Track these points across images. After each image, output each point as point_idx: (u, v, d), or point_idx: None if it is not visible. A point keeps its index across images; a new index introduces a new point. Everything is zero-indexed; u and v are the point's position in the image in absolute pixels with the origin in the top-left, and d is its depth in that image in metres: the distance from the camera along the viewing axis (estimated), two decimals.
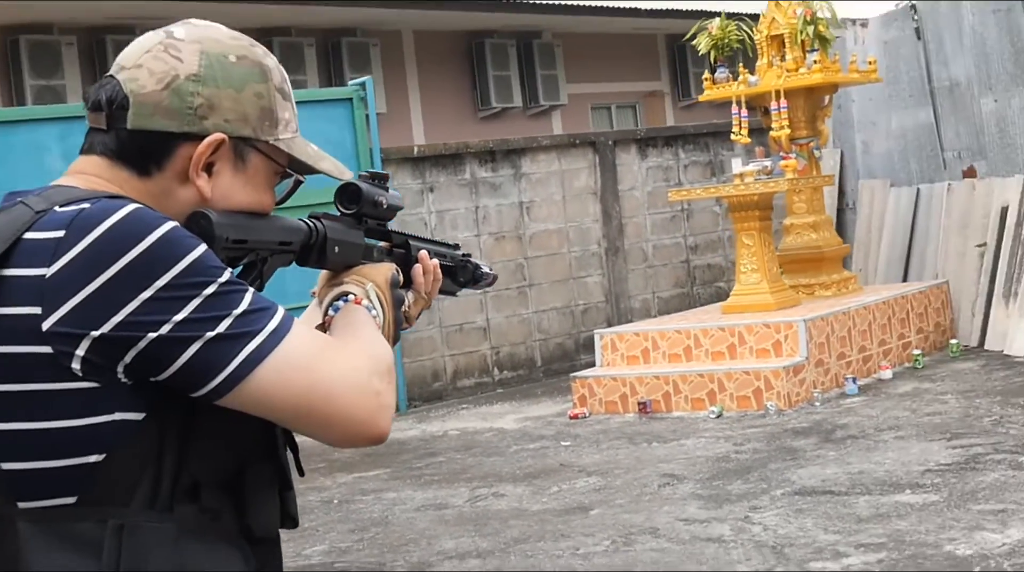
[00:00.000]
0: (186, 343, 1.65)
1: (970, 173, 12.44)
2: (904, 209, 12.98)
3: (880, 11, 13.56)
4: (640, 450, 9.01)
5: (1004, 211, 11.74)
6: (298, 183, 2.01)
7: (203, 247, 1.71)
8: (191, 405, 1.72)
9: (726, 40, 11.79)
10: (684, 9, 20.44)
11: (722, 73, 11.72)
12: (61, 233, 1.67)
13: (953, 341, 11.60)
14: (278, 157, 1.93)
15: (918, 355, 11.16)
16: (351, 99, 11.51)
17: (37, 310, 1.65)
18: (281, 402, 1.72)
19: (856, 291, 11.69)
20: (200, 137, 1.82)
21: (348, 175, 2.08)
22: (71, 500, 1.68)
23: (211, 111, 1.83)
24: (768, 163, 11.29)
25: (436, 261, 2.26)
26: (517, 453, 9.32)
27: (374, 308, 2.01)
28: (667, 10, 20.19)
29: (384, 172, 2.18)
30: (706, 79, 11.73)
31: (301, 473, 1.98)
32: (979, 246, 11.97)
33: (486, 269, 2.48)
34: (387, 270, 2.09)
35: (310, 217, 2.04)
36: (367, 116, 11.52)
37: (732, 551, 6.46)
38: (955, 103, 12.47)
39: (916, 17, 12.89)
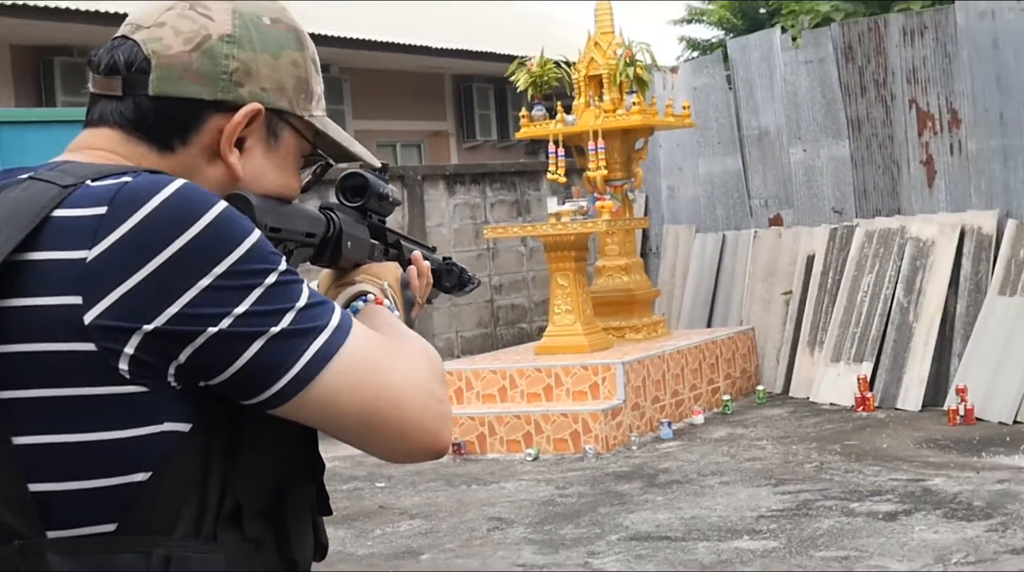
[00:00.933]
0: (249, 339, 1.41)
1: (776, 221, 12.58)
2: (710, 255, 13.06)
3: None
4: (460, 492, 8.73)
5: (810, 260, 11.89)
6: (327, 167, 1.75)
7: (258, 231, 1.45)
8: (236, 417, 1.45)
9: (544, 78, 11.66)
10: (472, 50, 20.39)
11: (539, 111, 11.57)
12: (103, 210, 1.39)
13: (760, 387, 11.66)
14: (310, 136, 1.66)
15: (728, 401, 11.17)
16: None
17: (77, 300, 1.38)
18: (348, 408, 1.47)
19: (665, 335, 11.66)
20: (233, 107, 1.55)
21: (377, 162, 1.84)
22: (110, 528, 1.42)
23: (247, 77, 1.57)
24: (584, 203, 11.18)
25: (428, 264, 2.04)
26: (331, 494, 8.89)
27: (395, 308, 1.77)
28: (455, 50, 20.08)
29: (385, 163, 1.91)
30: (523, 116, 11.57)
31: (329, 511, 1.68)
32: (785, 294, 12.09)
33: (470, 274, 2.26)
34: (397, 269, 1.88)
35: (321, 208, 1.78)
36: None
37: None
38: (764, 151, 12.62)
39: (728, 65, 13.01)
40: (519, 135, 11.83)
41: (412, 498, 8.62)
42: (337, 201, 1.86)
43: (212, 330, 1.38)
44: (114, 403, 1.39)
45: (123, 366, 1.37)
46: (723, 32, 20.54)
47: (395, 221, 12.86)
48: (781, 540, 6.92)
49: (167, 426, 1.41)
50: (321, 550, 1.66)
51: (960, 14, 10.79)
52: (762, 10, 19.01)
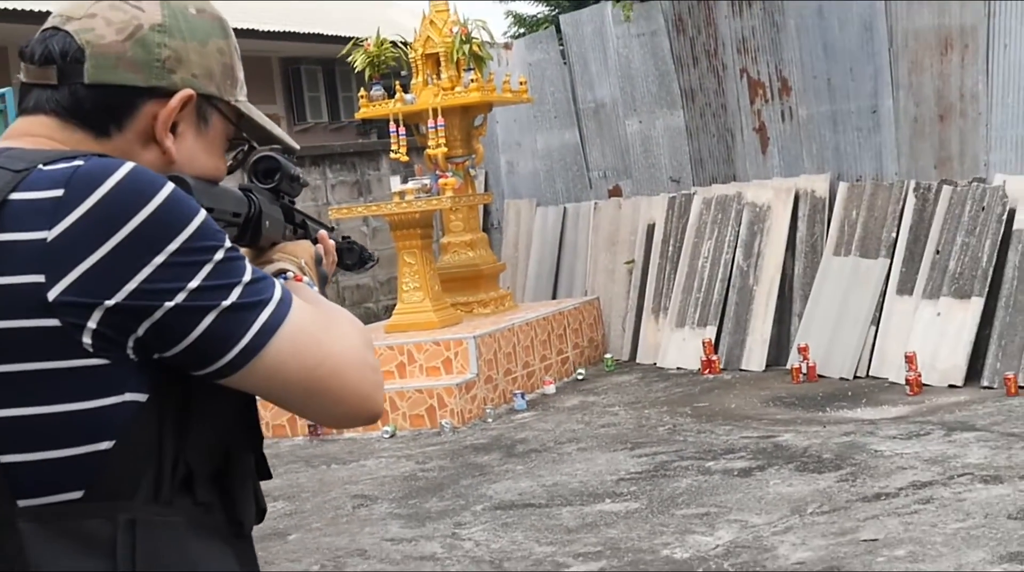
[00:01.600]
0: (202, 313, 1.49)
1: (616, 192, 12.79)
2: (551, 228, 13.22)
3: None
4: (321, 472, 8.75)
5: (651, 229, 12.13)
6: (250, 149, 1.87)
7: (203, 211, 1.53)
8: (186, 387, 1.53)
9: (382, 58, 11.68)
10: (300, 32, 20.27)
11: (377, 91, 11.58)
12: (59, 192, 1.46)
13: (607, 356, 11.86)
14: (235, 120, 1.76)
15: (581, 371, 11.37)
16: None
17: (40, 278, 1.44)
18: (292, 376, 1.56)
19: (513, 308, 11.79)
20: (166, 94, 1.63)
21: (296, 145, 1.94)
22: (77, 495, 1.49)
23: (179, 65, 1.65)
24: (427, 181, 11.24)
25: (333, 242, 2.14)
26: None
27: (313, 285, 1.86)
28: (283, 32, 19.93)
29: (294, 146, 1.99)
30: (362, 97, 11.57)
31: (269, 475, 1.78)
32: (627, 263, 12.31)
33: (369, 253, 2.35)
34: (311, 247, 1.98)
35: (241, 189, 1.86)
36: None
37: (449, 567, 6.32)
38: (600, 124, 12.81)
39: (562, 40, 13.17)
40: (359, 115, 11.84)
41: (273, 481, 8.59)
42: (250, 182, 1.92)
43: (168, 305, 1.46)
44: (78, 375, 1.45)
45: (87, 340, 1.45)
46: (548, 8, 20.75)
47: None
48: (642, 501, 7.09)
49: (128, 396, 1.48)
50: (260, 513, 1.74)
51: None
52: None
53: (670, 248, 11.83)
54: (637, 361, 11.82)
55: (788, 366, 10.39)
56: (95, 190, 1.46)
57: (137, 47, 1.61)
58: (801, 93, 11.10)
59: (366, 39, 11.75)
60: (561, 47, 13.21)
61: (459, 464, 8.52)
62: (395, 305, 11.35)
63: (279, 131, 1.84)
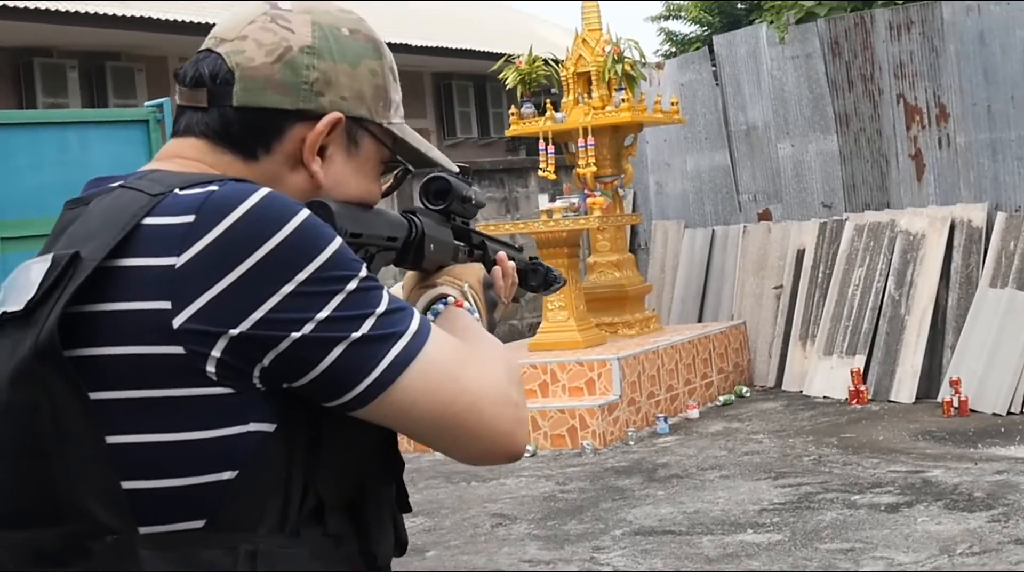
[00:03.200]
0: (330, 344, 1.46)
1: (765, 216, 12.64)
2: (699, 250, 13.11)
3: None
4: (460, 489, 8.76)
5: (800, 254, 11.96)
6: (406, 173, 1.79)
7: (339, 239, 1.50)
8: (318, 417, 1.50)
9: (533, 75, 11.69)
10: (452, 48, 20.41)
11: (528, 108, 11.60)
12: (191, 218, 1.44)
13: (738, 386, 11.68)
14: (389, 142, 1.71)
15: (737, 389, 11.26)
16: (147, 121, 10.96)
17: (166, 305, 1.43)
18: (425, 412, 1.52)
19: (658, 330, 11.71)
20: (315, 116, 1.61)
21: (454, 167, 1.88)
22: (198, 524, 1.47)
23: (327, 87, 1.62)
24: (575, 200, 11.22)
25: (513, 263, 2.06)
26: None
27: (475, 310, 1.81)
28: (435, 47, 20.10)
29: (467, 165, 1.95)
30: (512, 114, 11.59)
31: (409, 508, 1.75)
32: (776, 288, 12.15)
33: (556, 272, 2.27)
34: (479, 270, 1.92)
35: (404, 212, 1.82)
36: (165, 139, 10.99)
37: None
38: (752, 147, 12.67)
39: (714, 61, 13.06)
40: (509, 132, 11.85)
41: (413, 496, 8.51)
42: (421, 205, 1.89)
43: (295, 335, 1.43)
44: (202, 404, 1.44)
45: (210, 369, 1.43)
46: (700, 28, 20.63)
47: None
48: (785, 533, 6.97)
49: (252, 426, 1.46)
50: (400, 546, 1.71)
51: (946, 9, 10.87)
52: (740, 5, 19.06)
53: (820, 274, 11.65)
54: (783, 388, 11.65)
55: (939, 399, 10.15)
56: (226, 217, 1.44)
57: (286, 69, 1.59)
58: (959, 120, 10.86)
59: (518, 56, 11.77)
60: (714, 67, 13.10)
61: (599, 487, 8.46)
62: (539, 323, 11.34)
63: (436, 153, 1.79)
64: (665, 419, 10.24)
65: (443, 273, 1.87)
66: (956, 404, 9.80)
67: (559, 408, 9.88)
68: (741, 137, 12.79)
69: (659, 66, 13.88)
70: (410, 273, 1.90)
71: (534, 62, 11.71)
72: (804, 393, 11.28)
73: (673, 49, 20.48)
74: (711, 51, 13.31)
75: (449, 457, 1.60)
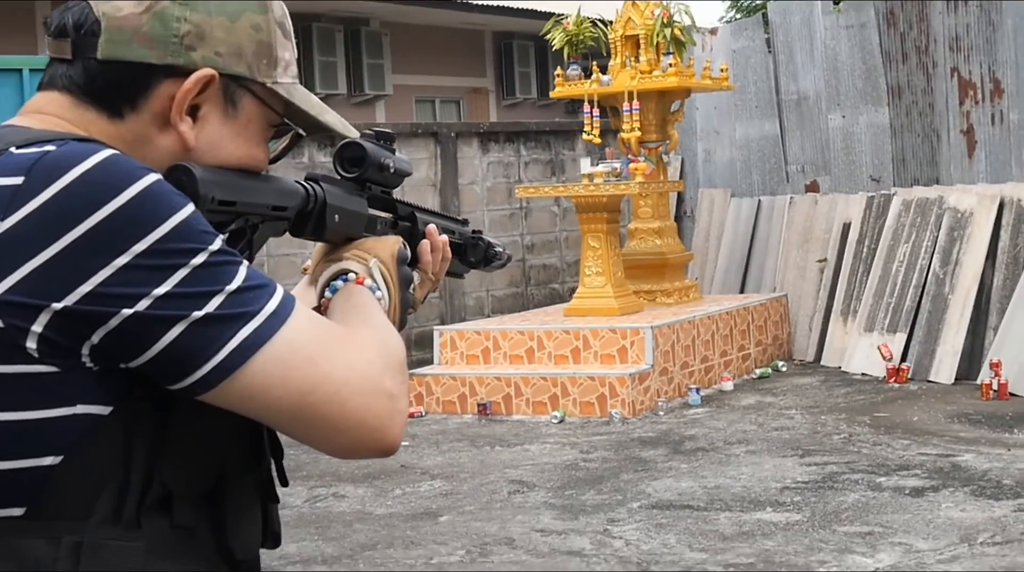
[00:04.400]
0: (168, 323, 1.33)
1: (813, 188, 12.43)
2: (744, 220, 12.91)
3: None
4: (483, 453, 8.67)
5: (846, 228, 11.74)
6: (297, 138, 1.66)
7: (191, 207, 1.37)
8: (166, 399, 1.37)
9: (581, 37, 11.52)
10: (514, 7, 20.26)
11: (574, 70, 11.43)
12: (19, 179, 1.32)
13: (775, 361, 11.50)
14: (275, 104, 1.57)
15: (773, 363, 11.12)
16: (20, 71, 10.47)
17: None
18: (279, 400, 1.39)
19: (697, 300, 11.54)
20: (185, 73, 1.47)
21: (353, 132, 1.72)
22: (18, 512, 1.35)
23: (200, 41, 1.48)
24: (617, 165, 11.06)
25: (445, 237, 1.94)
26: None
27: (379, 289, 1.68)
28: (497, 6, 19.97)
29: (390, 131, 1.82)
30: (558, 75, 11.43)
31: (284, 483, 1.63)
32: (820, 261, 11.95)
33: (499, 248, 2.15)
34: (393, 244, 1.76)
35: (306, 179, 1.68)
36: None
37: (595, 566, 6.16)
38: (802, 117, 12.45)
39: (768, 28, 12.83)
40: (554, 94, 11.71)
41: (435, 458, 8.56)
42: (335, 172, 1.77)
43: (127, 312, 1.31)
44: (21, 383, 1.32)
45: (31, 345, 1.31)
46: None
47: (427, 179, 12.76)
48: (804, 513, 6.82)
49: (81, 408, 1.34)
50: (273, 537, 1.60)
51: None
52: None
53: (864, 249, 11.43)
54: (822, 364, 11.46)
55: (979, 381, 9.93)
56: (57, 179, 1.31)
57: (154, 20, 1.46)
58: (1014, 96, 10.59)
59: (566, 16, 11.60)
60: (767, 35, 12.86)
61: (623, 457, 8.34)
62: (577, 288, 11.21)
63: (332, 117, 1.64)
64: (697, 390, 10.09)
65: (352, 246, 1.74)
66: (995, 387, 9.59)
67: (589, 375, 9.75)
68: (791, 107, 12.56)
69: (712, 31, 13.64)
70: (318, 246, 1.77)
71: (582, 23, 11.54)
72: (843, 369, 11.09)
73: (738, 16, 20.19)
74: (765, 18, 13.06)
75: (315, 449, 1.47)
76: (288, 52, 1.58)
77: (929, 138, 11.31)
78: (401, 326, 1.71)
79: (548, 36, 11.70)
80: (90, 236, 1.31)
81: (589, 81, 11.25)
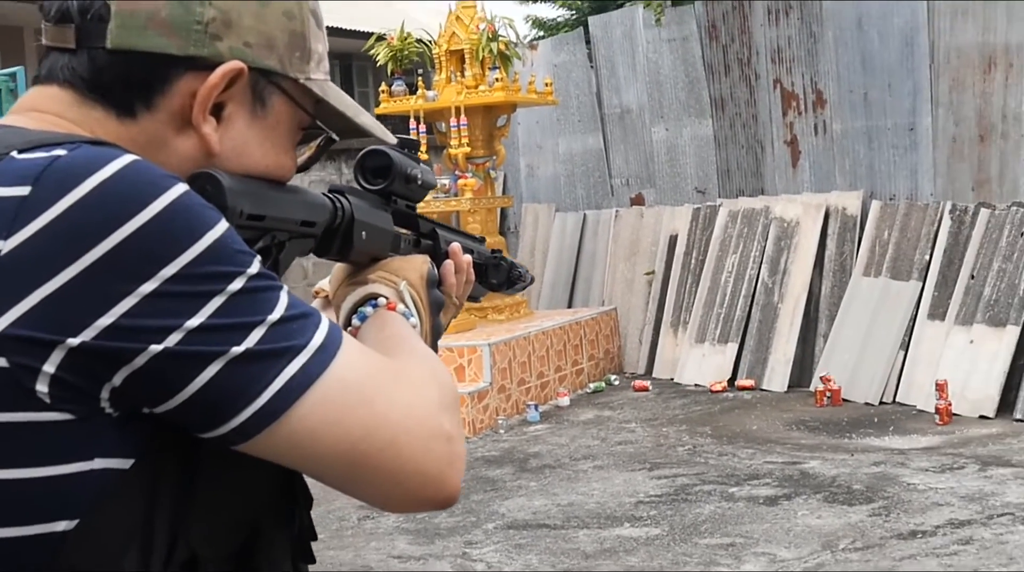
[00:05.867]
0: (203, 361, 1.11)
1: (638, 201, 12.46)
2: (570, 234, 12.88)
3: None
4: None
5: (673, 240, 11.79)
6: (329, 142, 1.43)
7: (225, 223, 1.14)
8: (193, 450, 1.15)
9: (405, 52, 11.35)
10: (347, 29, 19.99)
11: (399, 86, 11.25)
12: (25, 190, 1.09)
13: (608, 375, 11.48)
14: (306, 104, 1.35)
15: (606, 377, 11.07)
16: None
17: None
18: (329, 448, 1.17)
19: (528, 315, 11.45)
20: (209, 66, 1.25)
21: (391, 138, 1.52)
22: None
23: (226, 29, 1.26)
24: (446, 181, 10.92)
25: (469, 258, 1.74)
26: None
27: (412, 314, 1.47)
28: (334, 27, 19.65)
29: (415, 139, 1.62)
30: (383, 91, 11.24)
31: (314, 537, 1.41)
32: (648, 274, 11.98)
33: (522, 269, 1.99)
34: (421, 265, 1.56)
35: (330, 190, 1.48)
36: None
37: None
38: (625, 130, 12.47)
39: (589, 42, 12.84)
40: (379, 111, 11.47)
41: None
42: (356, 183, 1.57)
43: (155, 348, 1.09)
44: (29, 433, 1.09)
45: (41, 388, 1.08)
46: (569, 13, 20.44)
47: None
48: (663, 527, 6.75)
49: (99, 463, 1.12)
50: None
51: None
52: None
53: (692, 261, 11.49)
54: (653, 375, 11.47)
55: (811, 388, 10.04)
56: (71, 190, 1.09)
57: (174, 4, 1.24)
58: (836, 107, 10.76)
59: (389, 32, 11.42)
60: (588, 49, 12.87)
61: (470, 477, 8.17)
62: None
63: (367, 119, 1.44)
64: (536, 407, 9.99)
65: (378, 267, 1.54)
66: (828, 394, 9.70)
67: None
68: (615, 120, 12.57)
69: (532, 46, 13.62)
70: (339, 266, 1.57)
71: (406, 39, 11.37)
72: (675, 381, 11.12)
73: (541, 34, 20.25)
74: (586, 32, 13.07)
75: (362, 502, 1.27)
76: (321, 44, 1.39)
77: (753, 149, 11.43)
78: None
79: (372, 52, 11.50)
80: (111, 258, 1.09)
81: (415, 97, 11.09)
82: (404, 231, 1.64)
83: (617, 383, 11.32)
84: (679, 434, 9.07)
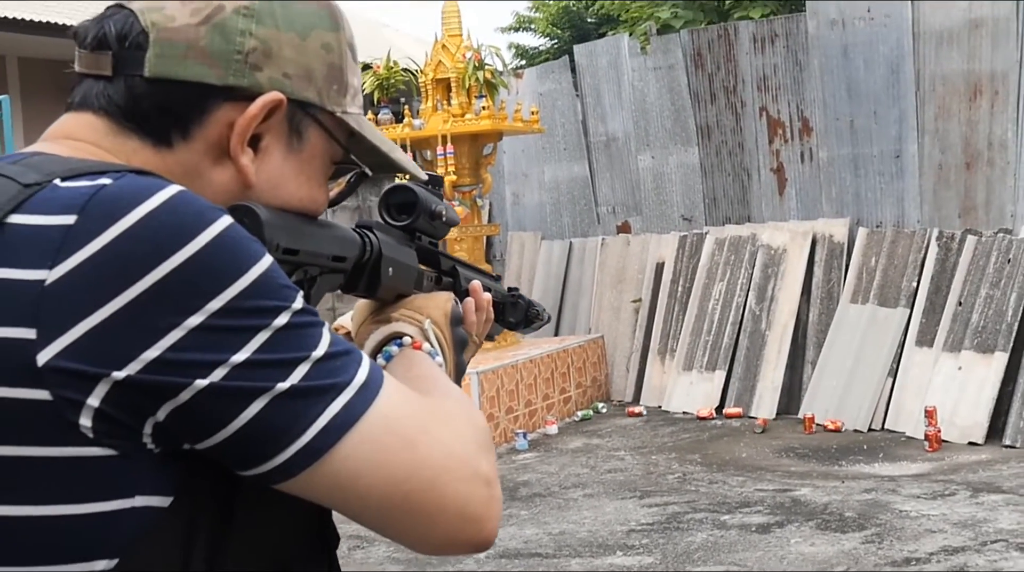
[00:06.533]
0: (248, 397, 1.09)
1: (624, 228, 12.46)
2: (556, 262, 12.88)
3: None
4: None
5: (660, 267, 11.79)
6: (361, 178, 1.42)
7: (269, 257, 1.12)
8: (229, 488, 1.13)
9: (391, 80, 11.36)
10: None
11: (385, 115, 11.26)
12: (71, 219, 1.07)
13: (596, 403, 11.45)
14: (341, 137, 1.34)
15: (593, 405, 11.03)
16: None
17: (30, 334, 1.06)
18: (369, 489, 1.15)
19: (515, 343, 11.43)
20: (247, 96, 1.23)
21: (422, 174, 1.53)
22: None
23: (267, 60, 1.25)
24: None
25: (489, 296, 1.73)
26: None
27: (437, 353, 1.46)
28: None
29: (439, 175, 1.62)
30: (369, 119, 11.22)
31: None
32: (635, 302, 11.97)
33: (539, 308, 1.97)
34: (445, 303, 1.55)
35: (358, 226, 1.47)
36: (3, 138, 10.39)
37: None
38: (611, 158, 12.49)
39: (574, 71, 12.86)
40: None
41: None
42: (380, 219, 1.55)
43: (201, 383, 1.08)
44: (71, 469, 1.07)
45: (85, 422, 1.06)
46: (551, 42, 20.48)
47: None
48: (656, 555, 6.73)
49: (140, 500, 1.10)
50: None
51: (811, 22, 10.79)
52: (590, 20, 18.93)
53: (679, 288, 11.49)
54: (641, 403, 11.45)
55: (800, 415, 10.04)
56: (118, 220, 1.07)
57: (214, 34, 1.23)
58: (822, 134, 10.79)
59: (375, 61, 11.43)
60: (574, 77, 12.89)
61: None
62: None
63: (400, 155, 1.44)
64: (524, 435, 9.97)
65: (401, 305, 1.53)
66: (818, 420, 9.70)
67: None
68: (601, 148, 12.59)
69: (518, 74, 13.64)
70: (361, 303, 1.56)
71: (392, 67, 11.39)
72: (663, 408, 11.10)
73: (523, 62, 20.28)
74: (572, 60, 13.10)
75: (399, 544, 1.25)
76: (357, 78, 1.37)
77: (740, 177, 11.45)
78: None
79: None
80: (157, 290, 1.07)
81: (401, 125, 11.09)
82: (426, 268, 1.63)
83: (605, 411, 11.30)
84: (669, 462, 9.05)
